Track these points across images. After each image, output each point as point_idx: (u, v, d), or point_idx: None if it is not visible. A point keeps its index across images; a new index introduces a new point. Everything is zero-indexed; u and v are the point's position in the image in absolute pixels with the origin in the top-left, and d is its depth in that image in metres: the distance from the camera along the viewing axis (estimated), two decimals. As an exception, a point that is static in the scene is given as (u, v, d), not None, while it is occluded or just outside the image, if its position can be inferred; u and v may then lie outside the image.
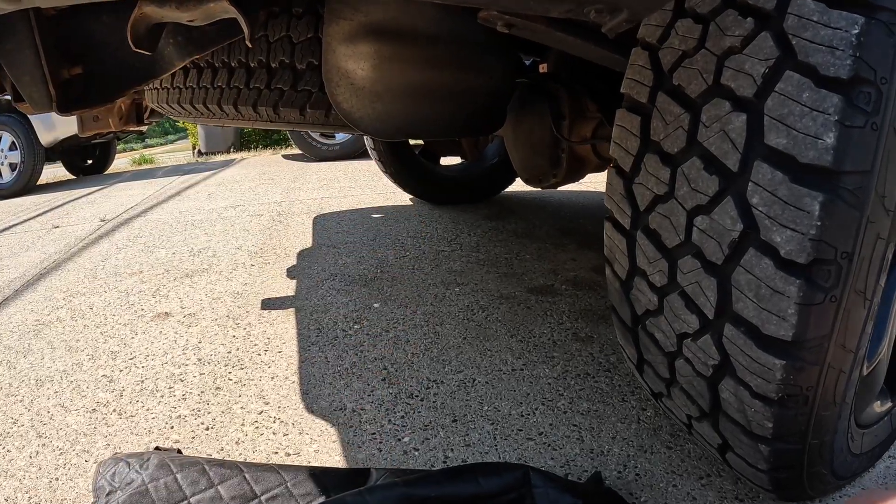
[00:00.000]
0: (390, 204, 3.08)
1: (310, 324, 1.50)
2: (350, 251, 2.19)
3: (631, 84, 0.82)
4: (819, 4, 0.64)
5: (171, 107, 1.22)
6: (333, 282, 1.83)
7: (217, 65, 1.14)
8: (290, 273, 1.94)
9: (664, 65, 0.77)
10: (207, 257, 2.25)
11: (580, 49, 1.02)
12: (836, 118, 0.62)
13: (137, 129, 1.40)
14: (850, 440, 0.86)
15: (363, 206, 3.07)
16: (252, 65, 1.10)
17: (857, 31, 0.62)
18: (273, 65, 1.09)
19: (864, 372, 0.86)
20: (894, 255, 0.81)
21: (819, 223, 0.63)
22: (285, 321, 1.53)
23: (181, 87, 1.19)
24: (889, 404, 0.98)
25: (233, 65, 1.12)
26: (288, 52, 1.08)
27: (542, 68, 1.63)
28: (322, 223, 2.72)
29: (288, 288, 1.77)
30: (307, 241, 2.39)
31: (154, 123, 1.54)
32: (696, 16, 0.75)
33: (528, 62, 1.72)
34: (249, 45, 0.99)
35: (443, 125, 1.11)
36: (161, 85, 1.25)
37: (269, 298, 1.67)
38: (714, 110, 0.70)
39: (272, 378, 1.23)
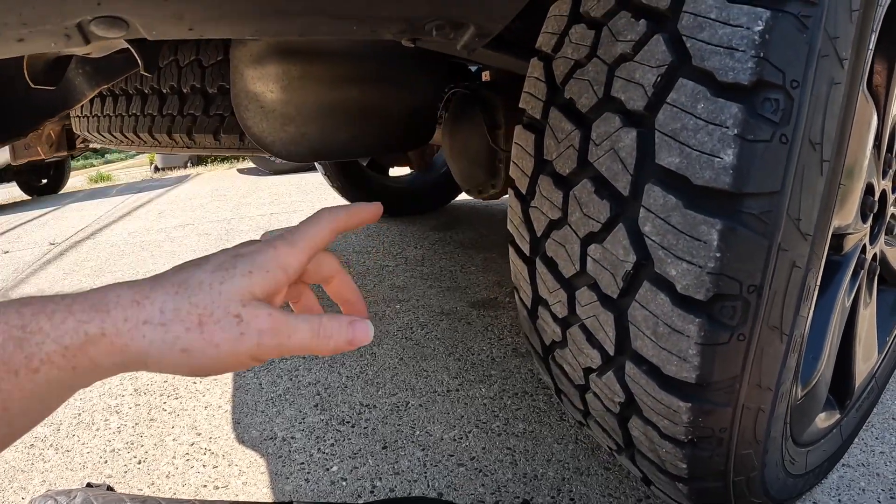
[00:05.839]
0: (339, 218, 2.89)
1: (249, 347, 1.37)
2: (293, 270, 2.04)
3: (527, 98, 0.68)
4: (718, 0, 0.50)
5: (94, 135, 1.10)
6: (273, 304, 1.68)
7: (131, 92, 1.01)
8: (232, 295, 1.78)
9: (557, 76, 0.64)
10: (152, 281, 2.11)
11: (493, 60, 0.88)
12: (736, 132, 0.48)
13: (70, 154, 1.28)
14: (790, 464, 0.73)
15: (312, 222, 2.89)
16: (164, 91, 0.97)
17: (760, 28, 0.48)
18: (184, 90, 0.96)
19: (798, 397, 0.72)
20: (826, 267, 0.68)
21: (718, 255, 0.49)
22: (226, 345, 1.39)
23: (99, 115, 1.07)
24: (837, 416, 0.84)
25: (146, 91, 0.99)
26: (198, 76, 0.95)
27: (485, 76, 1.49)
28: (269, 240, 2.56)
29: (228, 311, 1.63)
30: (253, 261, 2.24)
31: (88, 148, 1.42)
32: (589, 21, 0.61)
33: (473, 69, 1.58)
34: (146, 74, 0.87)
35: (362, 144, 0.98)
36: (82, 113, 1.13)
37: (211, 322, 1.54)
38: (604, 126, 0.56)
39: (206, 407, 1.11)
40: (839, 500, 0.82)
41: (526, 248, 0.68)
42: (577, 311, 0.62)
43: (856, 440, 0.92)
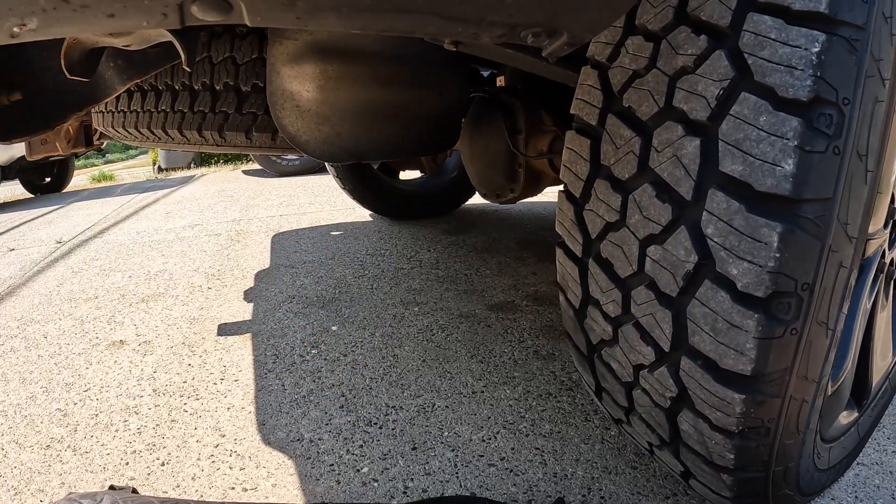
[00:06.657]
0: (350, 220, 2.92)
1: (266, 349, 1.39)
2: (308, 271, 2.07)
3: (580, 105, 0.74)
4: (777, 21, 0.56)
5: (117, 131, 1.12)
6: (291, 304, 1.71)
7: (161, 88, 1.03)
8: (247, 296, 1.82)
9: (614, 85, 0.69)
10: (164, 280, 2.11)
11: (532, 66, 0.93)
12: (796, 143, 0.54)
13: (87, 150, 1.29)
14: (817, 458, 0.80)
15: (322, 224, 2.91)
16: (196, 87, 1.00)
17: (817, 49, 0.54)
18: (217, 87, 0.99)
19: (829, 392, 0.79)
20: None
21: (778, 255, 0.55)
22: (242, 347, 1.42)
23: (125, 110, 1.08)
24: (855, 415, 0.91)
25: (176, 88, 1.02)
26: (232, 73, 0.98)
27: (500, 81, 1.54)
28: (280, 242, 2.57)
29: (245, 312, 1.66)
30: (265, 262, 2.25)
31: (104, 144, 1.43)
32: (647, 33, 0.67)
33: (485, 74, 1.64)
34: (188, 70, 0.89)
35: (393, 146, 1.02)
36: (106, 108, 1.14)
37: (226, 323, 1.56)
38: (666, 134, 0.62)
39: (228, 408, 1.13)
40: (856, 497, 0.88)
41: (578, 250, 0.73)
42: (632, 309, 0.67)
43: (870, 440, 0.99)
